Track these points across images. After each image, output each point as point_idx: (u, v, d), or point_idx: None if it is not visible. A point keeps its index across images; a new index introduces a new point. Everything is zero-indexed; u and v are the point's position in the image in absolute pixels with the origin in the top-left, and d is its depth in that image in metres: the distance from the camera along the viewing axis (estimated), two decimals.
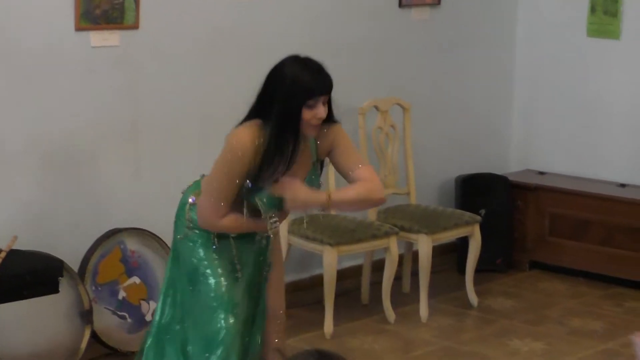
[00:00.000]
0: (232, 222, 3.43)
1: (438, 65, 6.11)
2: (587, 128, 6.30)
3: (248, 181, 3.36)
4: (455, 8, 6.11)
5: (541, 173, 6.39)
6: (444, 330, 5.16)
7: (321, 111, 3.28)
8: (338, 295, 5.08)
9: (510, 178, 6.19)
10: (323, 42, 5.47)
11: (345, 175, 3.47)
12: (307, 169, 3.43)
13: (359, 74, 5.71)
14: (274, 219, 3.42)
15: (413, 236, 5.30)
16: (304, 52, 3.63)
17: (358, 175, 3.40)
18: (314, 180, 3.46)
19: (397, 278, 5.38)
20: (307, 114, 3.27)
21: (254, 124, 3.35)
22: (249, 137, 3.31)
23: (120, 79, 4.77)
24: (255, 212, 3.46)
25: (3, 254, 4.19)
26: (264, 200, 3.39)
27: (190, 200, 3.54)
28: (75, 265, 4.60)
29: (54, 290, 4.24)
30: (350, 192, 3.39)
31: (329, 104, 3.36)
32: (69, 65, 4.60)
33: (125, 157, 4.85)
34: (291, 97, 3.25)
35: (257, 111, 3.36)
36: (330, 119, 3.39)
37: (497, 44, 6.43)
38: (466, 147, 6.34)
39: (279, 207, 3.42)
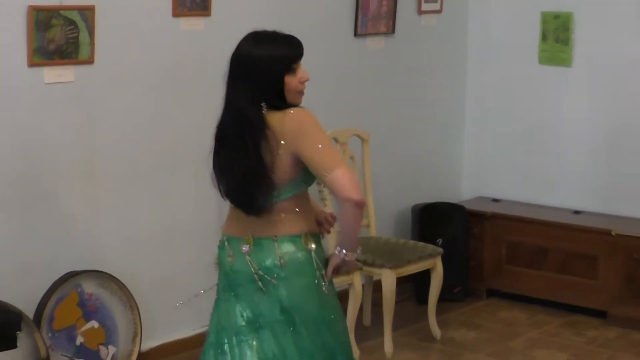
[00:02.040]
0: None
1: (393, 94, 6.05)
2: (539, 155, 6.30)
3: None
4: (409, 37, 6.06)
5: (495, 200, 6.36)
6: None
7: (305, 72, 3.19)
8: None
9: (467, 206, 6.14)
10: None
11: None
12: None
13: (317, 104, 5.56)
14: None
15: (377, 271, 5.20)
16: None
17: None
18: None
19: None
20: (293, 80, 3.16)
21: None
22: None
23: (75, 116, 4.59)
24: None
25: None
26: None
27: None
28: (29, 311, 4.40)
29: (12, 345, 4.01)
30: None
31: None
32: (21, 102, 4.41)
33: (82, 195, 4.67)
34: (274, 71, 3.13)
35: (254, 97, 3.15)
36: None
37: (448, 71, 6.39)
38: (420, 176, 6.29)
39: None
